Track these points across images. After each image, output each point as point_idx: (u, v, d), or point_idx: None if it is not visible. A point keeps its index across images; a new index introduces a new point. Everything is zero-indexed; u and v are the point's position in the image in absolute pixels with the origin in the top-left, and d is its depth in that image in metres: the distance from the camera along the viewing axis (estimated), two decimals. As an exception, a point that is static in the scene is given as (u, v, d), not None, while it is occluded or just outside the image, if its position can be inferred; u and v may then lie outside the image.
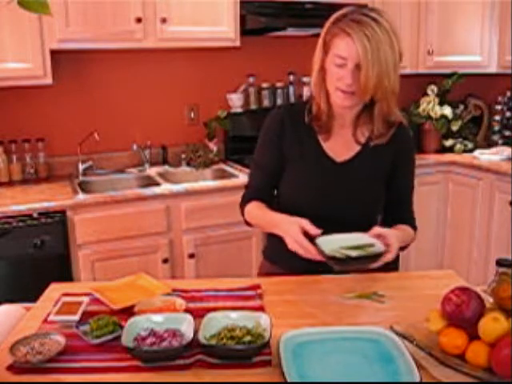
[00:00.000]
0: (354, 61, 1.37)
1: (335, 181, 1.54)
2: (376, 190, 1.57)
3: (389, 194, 1.59)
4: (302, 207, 1.54)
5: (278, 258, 1.62)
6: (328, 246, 1.32)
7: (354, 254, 1.32)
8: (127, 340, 1.11)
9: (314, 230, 1.35)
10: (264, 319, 1.18)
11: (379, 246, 1.33)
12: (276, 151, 1.57)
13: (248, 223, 1.64)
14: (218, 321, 1.19)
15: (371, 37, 1.35)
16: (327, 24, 1.45)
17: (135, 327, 1.17)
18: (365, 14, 1.39)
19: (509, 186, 2.93)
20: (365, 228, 1.41)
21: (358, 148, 1.55)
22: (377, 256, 1.32)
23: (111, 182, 2.95)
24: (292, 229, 1.36)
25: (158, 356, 1.10)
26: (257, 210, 1.57)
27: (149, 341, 1.13)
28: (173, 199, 2.68)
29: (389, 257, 1.33)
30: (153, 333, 1.16)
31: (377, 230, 1.38)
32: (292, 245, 1.35)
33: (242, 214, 1.63)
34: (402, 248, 1.49)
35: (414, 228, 1.61)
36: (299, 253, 1.34)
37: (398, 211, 1.61)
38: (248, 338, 1.12)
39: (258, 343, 1.10)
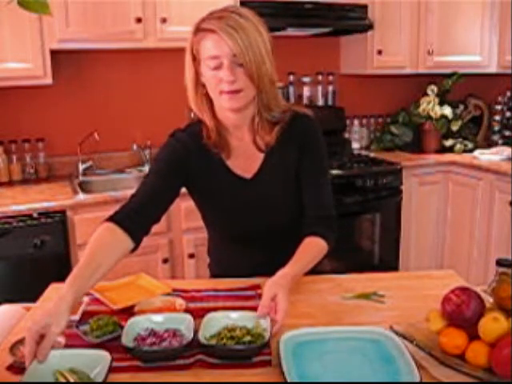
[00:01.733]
0: (227, 56, 1.29)
1: (249, 198, 1.46)
2: (288, 195, 1.48)
3: (300, 189, 1.47)
4: (222, 227, 1.54)
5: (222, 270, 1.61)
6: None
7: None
8: (127, 340, 1.11)
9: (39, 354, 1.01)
10: (264, 319, 1.17)
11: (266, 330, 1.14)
12: (173, 181, 1.44)
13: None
14: (218, 321, 1.19)
15: (236, 26, 1.29)
16: (189, 37, 1.38)
17: (135, 327, 1.17)
18: (223, 10, 1.34)
19: (509, 186, 2.93)
20: (292, 235, 1.39)
21: (261, 156, 1.46)
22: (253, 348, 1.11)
23: (111, 182, 2.95)
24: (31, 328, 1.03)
25: (157, 356, 1.10)
26: (93, 244, 1.26)
27: (149, 341, 1.13)
28: (173, 199, 2.67)
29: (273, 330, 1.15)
30: (153, 333, 1.16)
31: (262, 309, 1.18)
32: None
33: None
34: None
35: (326, 235, 1.42)
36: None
37: (310, 206, 1.46)
38: (248, 338, 1.12)
39: (258, 343, 1.10)
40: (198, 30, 1.35)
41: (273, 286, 1.21)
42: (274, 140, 1.43)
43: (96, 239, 1.27)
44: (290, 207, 1.48)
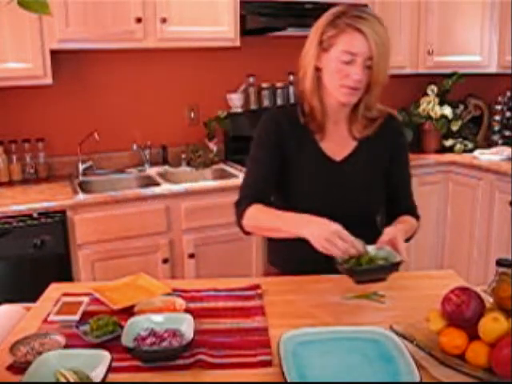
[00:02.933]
0: (363, 56, 1.39)
1: (335, 179, 1.54)
2: (376, 183, 1.58)
3: (389, 186, 1.61)
4: (305, 208, 1.50)
5: (285, 263, 1.62)
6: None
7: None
8: (127, 340, 1.12)
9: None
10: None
11: (394, 255, 1.33)
12: (275, 151, 1.54)
13: (244, 229, 1.51)
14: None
15: (379, 33, 1.40)
16: (322, 23, 1.48)
17: (135, 327, 1.17)
18: (364, 12, 1.45)
19: (509, 186, 2.93)
20: (369, 222, 1.47)
21: (354, 144, 1.56)
22: (395, 265, 1.31)
23: (111, 182, 2.95)
24: (333, 225, 1.29)
25: (157, 356, 1.10)
26: (264, 214, 1.46)
27: (149, 341, 1.13)
28: (173, 199, 2.68)
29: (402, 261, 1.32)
30: (153, 333, 1.16)
31: (385, 237, 1.37)
32: (324, 243, 1.27)
33: (239, 218, 1.51)
34: (407, 239, 1.51)
35: (417, 217, 1.62)
36: (330, 251, 1.27)
37: (400, 202, 1.63)
38: (383, 255, 1.31)
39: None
40: (336, 22, 1.43)
41: (391, 230, 1.38)
42: (371, 133, 1.55)
43: (258, 208, 1.47)
44: (371, 199, 1.58)
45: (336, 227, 1.28)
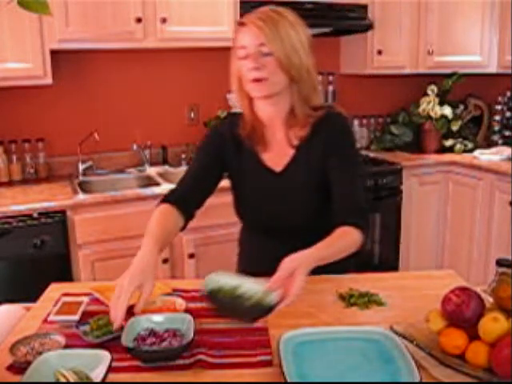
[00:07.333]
0: (253, 44, 1.36)
1: (277, 191, 1.49)
2: (317, 191, 1.47)
3: (331, 188, 1.46)
4: (253, 222, 1.58)
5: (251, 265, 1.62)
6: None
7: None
8: (127, 340, 1.11)
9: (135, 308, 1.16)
10: (274, 294, 1.14)
11: (270, 299, 1.13)
12: (215, 162, 1.52)
13: None
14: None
15: (267, 19, 1.36)
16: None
17: (135, 327, 1.17)
18: (264, 8, 1.41)
19: (509, 186, 2.93)
20: (319, 230, 1.34)
21: (292, 151, 1.48)
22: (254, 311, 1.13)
23: (111, 182, 2.95)
24: (126, 279, 1.17)
25: (157, 356, 1.10)
26: (152, 222, 1.37)
27: (149, 341, 1.13)
28: (173, 199, 2.68)
29: (282, 304, 1.13)
30: (153, 333, 1.16)
31: (281, 273, 1.15)
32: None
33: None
34: (349, 257, 1.36)
35: (360, 225, 1.37)
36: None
37: (341, 206, 1.43)
38: (255, 299, 1.13)
39: (265, 304, 1.10)
40: (237, 25, 1.44)
41: (293, 260, 1.16)
42: (306, 135, 1.47)
43: (161, 213, 1.41)
44: (313, 204, 1.49)
45: (121, 282, 1.15)
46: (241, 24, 1.40)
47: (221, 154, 1.53)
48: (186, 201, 1.48)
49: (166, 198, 1.48)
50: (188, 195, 1.49)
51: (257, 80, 1.37)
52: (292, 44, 1.37)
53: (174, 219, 1.43)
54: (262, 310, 1.13)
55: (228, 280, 1.22)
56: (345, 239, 1.35)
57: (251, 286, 1.17)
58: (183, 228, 1.48)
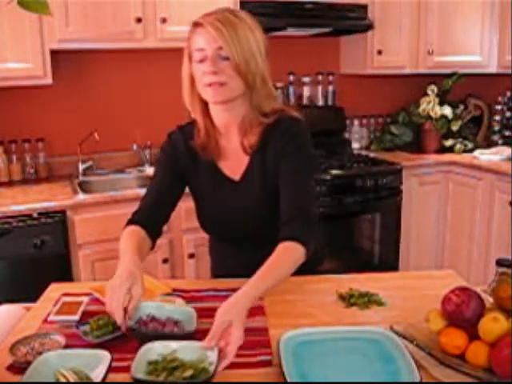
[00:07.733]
0: (212, 47, 1.30)
1: (236, 201, 1.46)
2: (271, 198, 1.41)
3: (279, 194, 1.40)
4: (215, 233, 1.57)
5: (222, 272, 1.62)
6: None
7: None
8: (131, 321, 1.14)
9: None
10: (212, 351, 1.05)
11: (207, 364, 1.03)
12: (172, 179, 1.48)
13: None
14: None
15: (225, 21, 1.30)
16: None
17: (136, 311, 1.17)
18: (219, 9, 1.37)
19: (509, 186, 2.93)
20: (276, 237, 1.29)
21: (247, 159, 1.44)
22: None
23: (111, 182, 2.95)
24: (117, 280, 1.17)
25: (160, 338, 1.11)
26: (122, 243, 1.33)
27: (151, 325, 1.15)
28: (173, 199, 2.67)
29: (221, 366, 1.02)
30: (154, 319, 1.17)
31: (218, 329, 1.06)
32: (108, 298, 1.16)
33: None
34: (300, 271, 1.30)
35: (302, 240, 1.28)
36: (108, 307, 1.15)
37: (285, 213, 1.36)
38: (189, 373, 1.00)
39: (201, 378, 0.99)
40: (191, 26, 1.37)
41: (226, 313, 1.07)
42: (256, 141, 1.41)
43: (129, 234, 1.37)
44: (274, 211, 1.39)
45: (112, 283, 1.16)
46: (197, 24, 1.34)
47: (177, 168, 1.48)
48: (152, 221, 1.44)
49: (133, 219, 1.43)
50: (152, 215, 1.45)
51: (215, 84, 1.31)
52: (250, 49, 1.32)
53: (143, 240, 1.38)
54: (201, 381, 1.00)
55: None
56: (284, 262, 1.26)
57: (186, 354, 1.06)
58: (152, 248, 1.43)
